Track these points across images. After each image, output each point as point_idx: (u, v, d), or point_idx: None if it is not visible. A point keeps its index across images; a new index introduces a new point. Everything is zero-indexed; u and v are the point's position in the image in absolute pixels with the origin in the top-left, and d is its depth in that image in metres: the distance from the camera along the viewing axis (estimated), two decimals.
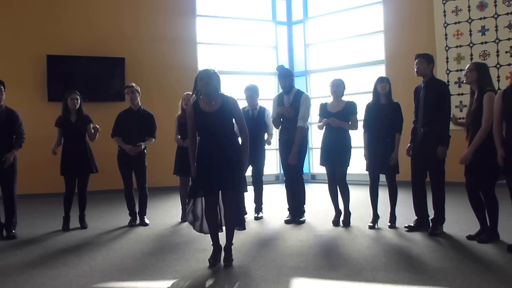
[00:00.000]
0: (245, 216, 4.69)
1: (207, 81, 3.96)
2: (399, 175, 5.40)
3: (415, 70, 5.09)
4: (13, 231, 5.38)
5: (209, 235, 4.17)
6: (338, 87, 5.59)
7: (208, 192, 3.99)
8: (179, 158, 6.04)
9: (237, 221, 4.18)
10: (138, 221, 6.00)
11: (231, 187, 4.00)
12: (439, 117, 4.90)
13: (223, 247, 4.12)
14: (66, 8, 9.28)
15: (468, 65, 4.73)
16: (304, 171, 6.17)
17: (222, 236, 4.17)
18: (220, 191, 4.04)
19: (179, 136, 5.98)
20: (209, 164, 3.96)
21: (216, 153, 3.96)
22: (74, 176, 5.82)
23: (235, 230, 4.16)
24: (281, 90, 5.96)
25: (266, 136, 6.30)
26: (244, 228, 4.27)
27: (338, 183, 5.61)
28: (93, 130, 5.82)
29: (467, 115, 4.72)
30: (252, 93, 6.23)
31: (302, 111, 5.66)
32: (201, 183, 4.00)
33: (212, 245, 4.12)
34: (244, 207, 4.26)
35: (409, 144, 5.27)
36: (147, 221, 5.98)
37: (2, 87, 5.33)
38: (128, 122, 5.93)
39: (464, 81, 4.69)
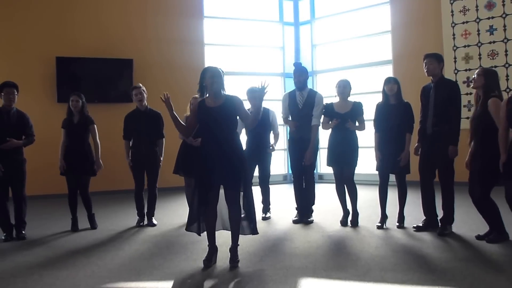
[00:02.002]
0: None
1: (218, 80, 3.99)
2: (407, 175, 5.39)
3: (425, 70, 5.07)
4: (23, 232, 5.41)
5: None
6: (345, 88, 5.58)
7: (207, 189, 3.99)
8: (181, 157, 6.04)
9: (249, 229, 4.16)
10: (146, 222, 6.02)
11: (232, 187, 3.99)
12: (450, 117, 4.88)
13: (229, 248, 4.10)
14: (75, 10, 9.32)
15: (477, 69, 4.68)
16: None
17: (222, 237, 4.19)
18: (220, 190, 4.04)
19: None
20: (208, 161, 3.97)
21: (215, 151, 3.95)
22: (75, 176, 5.83)
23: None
24: (289, 90, 5.96)
25: (272, 138, 6.29)
26: (257, 233, 4.20)
27: (346, 183, 5.61)
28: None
29: (472, 120, 4.69)
30: (255, 94, 6.19)
31: (318, 110, 5.68)
32: (201, 181, 4.02)
33: (208, 245, 4.11)
34: (254, 212, 4.20)
35: (417, 144, 5.26)
36: (155, 221, 6.00)
37: (15, 90, 5.39)
38: (136, 123, 5.96)
39: (472, 86, 4.64)
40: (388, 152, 5.31)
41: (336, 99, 5.68)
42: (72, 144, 5.76)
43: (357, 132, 5.61)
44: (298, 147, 5.76)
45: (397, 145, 5.27)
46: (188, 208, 6.07)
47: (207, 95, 4.08)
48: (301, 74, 5.80)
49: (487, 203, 4.53)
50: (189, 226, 4.15)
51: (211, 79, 3.99)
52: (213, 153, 3.95)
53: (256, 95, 4.06)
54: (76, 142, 5.77)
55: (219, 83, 4.00)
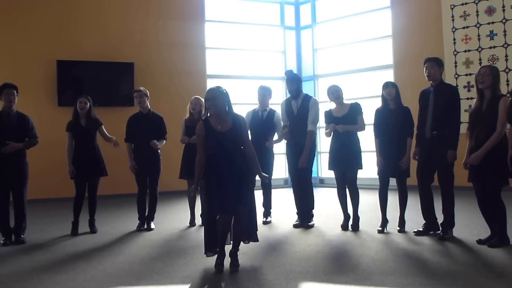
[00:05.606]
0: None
1: (213, 102, 3.95)
2: (408, 179, 5.38)
3: (426, 74, 5.06)
4: (22, 236, 5.39)
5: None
6: (338, 92, 5.59)
7: (222, 210, 3.94)
8: (186, 161, 6.04)
9: (248, 234, 4.18)
10: (146, 226, 6.00)
11: (243, 202, 3.99)
12: (450, 121, 4.88)
13: (229, 252, 4.09)
14: (76, 14, 9.36)
15: (482, 69, 4.61)
16: (312, 175, 6.14)
17: None
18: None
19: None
20: (221, 180, 3.94)
21: (227, 168, 3.94)
22: (85, 180, 5.84)
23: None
24: (289, 95, 5.96)
25: (276, 137, 6.25)
26: (257, 240, 4.27)
27: (348, 186, 5.60)
28: (111, 143, 5.90)
29: (471, 116, 4.68)
30: (265, 91, 6.22)
31: (312, 116, 5.69)
32: (215, 201, 3.96)
33: (218, 250, 4.08)
34: (256, 221, 4.24)
35: (415, 148, 5.25)
36: (152, 226, 5.98)
37: (15, 92, 5.37)
38: (138, 126, 5.98)
39: (479, 86, 4.61)
40: (389, 156, 5.31)
41: (333, 105, 5.68)
42: (81, 147, 5.77)
43: (359, 134, 5.59)
44: (295, 152, 5.76)
45: (397, 149, 5.27)
46: (189, 211, 6.19)
47: (209, 115, 4.04)
48: (292, 83, 5.79)
49: (499, 203, 4.50)
50: (209, 250, 4.10)
51: (207, 102, 3.98)
52: (227, 169, 3.94)
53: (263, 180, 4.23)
54: (86, 145, 5.79)
55: (216, 105, 3.95)
